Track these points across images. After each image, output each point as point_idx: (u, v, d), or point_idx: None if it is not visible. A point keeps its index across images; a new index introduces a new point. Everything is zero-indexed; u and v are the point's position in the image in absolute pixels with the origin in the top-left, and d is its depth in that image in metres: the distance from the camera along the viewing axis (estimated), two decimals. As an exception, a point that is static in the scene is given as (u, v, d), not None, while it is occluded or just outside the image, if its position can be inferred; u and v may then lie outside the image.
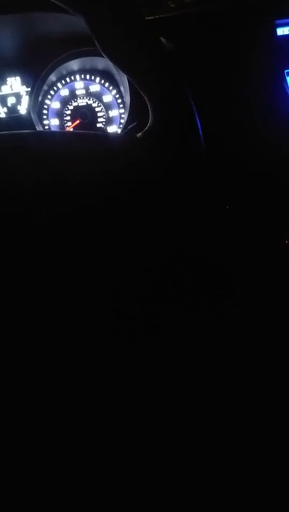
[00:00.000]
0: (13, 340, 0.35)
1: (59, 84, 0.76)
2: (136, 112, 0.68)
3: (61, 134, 0.43)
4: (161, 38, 0.39)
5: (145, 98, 0.40)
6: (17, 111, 0.75)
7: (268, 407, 0.46)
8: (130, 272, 0.38)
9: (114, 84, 0.76)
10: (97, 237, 0.37)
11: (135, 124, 0.53)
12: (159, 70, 0.37)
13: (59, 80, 0.76)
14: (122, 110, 0.76)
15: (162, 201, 0.38)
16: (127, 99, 0.71)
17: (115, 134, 0.65)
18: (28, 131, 0.68)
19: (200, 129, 0.39)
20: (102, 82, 0.76)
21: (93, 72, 0.76)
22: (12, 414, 0.38)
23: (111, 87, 0.76)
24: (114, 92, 0.76)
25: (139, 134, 0.40)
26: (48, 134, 0.43)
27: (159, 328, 0.42)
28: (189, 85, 0.39)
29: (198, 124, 0.39)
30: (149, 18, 0.63)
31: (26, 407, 0.38)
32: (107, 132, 0.74)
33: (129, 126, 0.53)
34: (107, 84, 0.76)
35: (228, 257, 0.48)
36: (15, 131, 0.39)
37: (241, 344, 0.48)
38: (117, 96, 0.76)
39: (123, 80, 0.70)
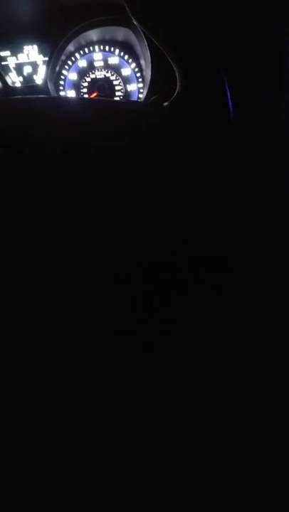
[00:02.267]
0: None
1: (77, 55, 0.74)
2: (156, 87, 0.67)
3: (88, 101, 0.42)
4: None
5: (174, 66, 0.38)
6: (33, 80, 0.74)
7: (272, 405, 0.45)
8: (148, 241, 0.37)
9: (134, 57, 0.74)
10: (118, 206, 0.36)
11: (157, 96, 0.52)
12: (194, 37, 0.35)
13: (77, 50, 0.74)
14: (140, 84, 0.74)
15: (186, 171, 0.36)
16: (147, 72, 0.69)
17: (142, 102, 0.63)
18: (49, 96, 0.67)
19: (230, 101, 0.37)
20: (122, 54, 0.74)
21: (113, 43, 0.74)
22: (15, 396, 0.38)
23: (130, 60, 0.74)
24: (133, 65, 0.74)
25: (166, 103, 0.38)
26: (73, 100, 0.42)
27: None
28: (222, 55, 0.38)
29: (228, 95, 0.37)
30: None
31: (28, 391, 0.38)
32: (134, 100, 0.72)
33: (151, 99, 0.52)
34: (126, 57, 0.74)
35: (245, 236, 0.47)
36: (32, 96, 0.38)
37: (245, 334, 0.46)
38: (136, 70, 0.74)
39: (144, 52, 0.68)
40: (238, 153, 0.41)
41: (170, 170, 0.36)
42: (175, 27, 0.35)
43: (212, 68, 0.36)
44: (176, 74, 0.38)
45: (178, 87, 0.38)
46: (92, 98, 0.53)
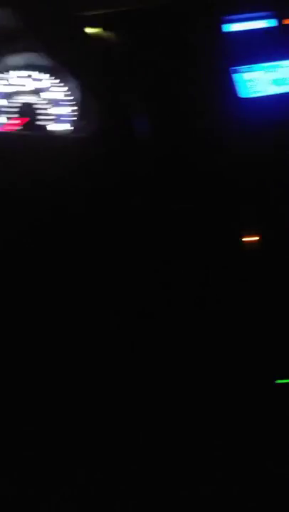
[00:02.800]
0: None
1: (5, 81, 0.73)
2: (86, 110, 0.67)
3: (7, 135, 0.42)
4: (105, 33, 0.39)
5: (89, 96, 0.39)
6: None
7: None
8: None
9: (64, 81, 0.74)
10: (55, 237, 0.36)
11: (84, 122, 0.52)
12: (99, 67, 0.36)
13: (5, 76, 0.73)
14: (71, 108, 0.74)
15: (112, 197, 0.37)
16: (78, 95, 0.70)
17: (62, 134, 0.64)
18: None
19: (146, 126, 0.38)
20: (52, 78, 0.74)
21: (42, 68, 0.74)
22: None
23: (61, 84, 0.74)
24: (63, 89, 0.74)
25: (83, 133, 0.39)
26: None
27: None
28: (134, 82, 0.39)
29: (145, 120, 0.38)
30: (94, 13, 0.62)
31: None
32: (54, 132, 0.73)
33: (78, 124, 0.53)
34: (56, 81, 0.74)
35: (181, 253, 0.48)
36: None
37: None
38: (68, 93, 0.74)
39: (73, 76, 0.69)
40: (159, 177, 0.42)
41: (96, 198, 0.36)
42: (82, 61, 0.36)
43: (123, 97, 0.37)
44: (93, 106, 0.39)
45: (95, 118, 0.39)
46: (13, 133, 0.53)
